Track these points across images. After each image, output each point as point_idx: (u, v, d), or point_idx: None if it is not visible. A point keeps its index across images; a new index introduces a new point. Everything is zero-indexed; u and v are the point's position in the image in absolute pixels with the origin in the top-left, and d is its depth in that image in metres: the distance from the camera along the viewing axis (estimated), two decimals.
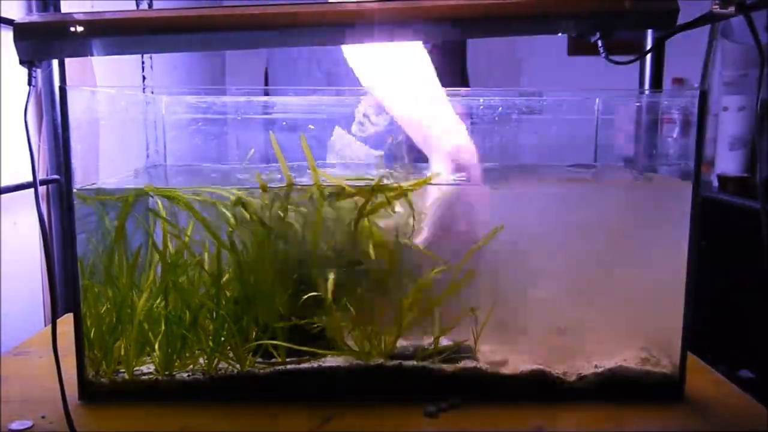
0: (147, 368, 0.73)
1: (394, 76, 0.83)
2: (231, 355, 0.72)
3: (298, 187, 0.71)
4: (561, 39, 2.40)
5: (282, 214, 0.71)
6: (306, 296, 0.70)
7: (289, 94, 0.93)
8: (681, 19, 0.63)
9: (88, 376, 0.71)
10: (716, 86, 1.78)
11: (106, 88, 0.93)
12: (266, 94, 1.00)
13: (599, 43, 0.64)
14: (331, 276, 0.70)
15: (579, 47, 2.40)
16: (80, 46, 0.62)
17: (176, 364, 0.72)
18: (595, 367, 0.73)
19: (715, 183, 1.66)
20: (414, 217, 0.72)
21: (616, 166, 0.96)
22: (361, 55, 0.84)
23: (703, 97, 0.69)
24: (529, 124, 0.89)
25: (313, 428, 0.65)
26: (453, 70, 1.15)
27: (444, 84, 0.86)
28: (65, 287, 0.99)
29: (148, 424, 0.66)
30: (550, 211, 0.75)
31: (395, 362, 0.72)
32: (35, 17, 0.63)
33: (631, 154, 1.02)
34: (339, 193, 0.70)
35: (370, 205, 0.70)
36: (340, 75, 1.08)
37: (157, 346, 0.72)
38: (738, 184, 1.57)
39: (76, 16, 0.61)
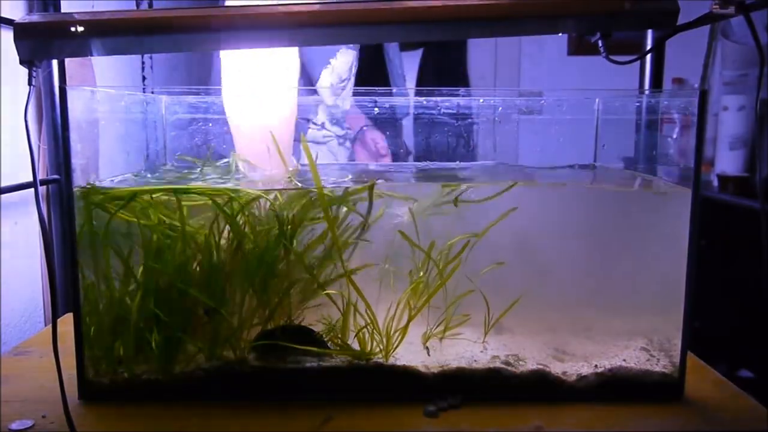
0: (147, 368, 0.73)
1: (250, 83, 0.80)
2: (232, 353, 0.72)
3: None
4: (561, 39, 2.40)
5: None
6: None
7: None
8: (681, 19, 0.63)
9: (88, 376, 0.71)
10: (716, 86, 1.78)
11: (106, 88, 0.93)
12: None
13: (599, 43, 0.64)
14: None
15: (579, 47, 2.40)
16: (80, 46, 0.62)
17: (177, 364, 0.72)
18: (595, 367, 0.73)
19: (715, 183, 1.66)
20: None
21: (615, 168, 0.96)
22: (233, 58, 0.80)
23: (703, 97, 0.69)
24: (529, 124, 0.89)
25: (313, 428, 0.65)
26: (453, 70, 1.15)
27: (443, 84, 0.86)
28: (65, 287, 0.99)
29: (148, 424, 0.66)
30: (553, 211, 0.75)
31: (394, 362, 0.72)
32: (36, 17, 0.63)
33: (631, 154, 1.02)
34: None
35: None
36: None
37: (154, 345, 0.72)
38: (738, 183, 1.57)
39: (76, 16, 0.61)
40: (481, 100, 0.85)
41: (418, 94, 0.94)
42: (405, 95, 1.07)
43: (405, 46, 1.34)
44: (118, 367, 0.72)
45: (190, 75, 1.72)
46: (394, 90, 1.03)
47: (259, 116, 0.80)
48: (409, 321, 0.73)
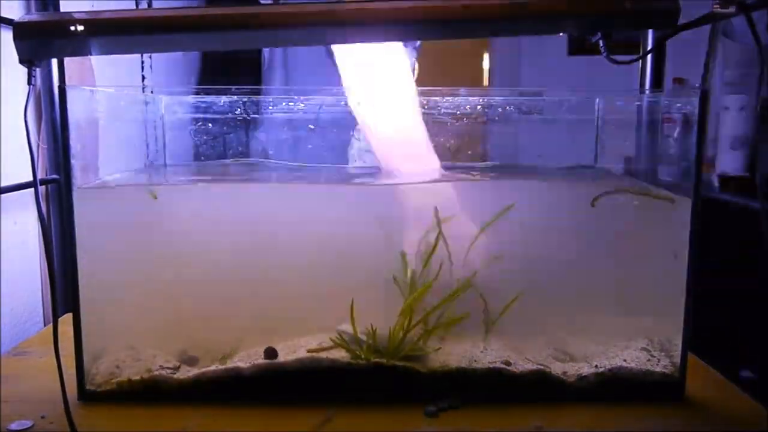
0: (147, 368, 0.73)
1: (372, 81, 0.82)
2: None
3: None
4: (561, 39, 2.40)
5: None
6: None
7: (289, 93, 0.93)
8: (681, 20, 0.62)
9: (89, 376, 0.71)
10: (717, 86, 1.77)
11: (105, 87, 0.92)
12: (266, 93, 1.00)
13: (600, 43, 0.64)
14: None
15: (579, 47, 2.40)
16: (80, 46, 0.61)
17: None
18: (595, 367, 0.73)
19: (716, 183, 1.66)
20: None
21: (614, 173, 0.96)
22: (347, 54, 0.81)
23: (704, 97, 0.69)
24: (529, 124, 0.89)
25: (313, 428, 0.65)
26: None
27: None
28: (65, 287, 0.99)
29: (148, 424, 0.66)
30: (554, 212, 0.75)
31: (394, 361, 0.72)
32: (35, 16, 0.63)
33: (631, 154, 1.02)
34: None
35: None
36: None
37: None
38: (739, 183, 1.57)
39: (75, 15, 0.60)
40: (481, 100, 0.85)
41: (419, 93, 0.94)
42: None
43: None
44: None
45: (190, 75, 1.72)
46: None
47: (392, 115, 0.81)
48: (413, 325, 0.73)
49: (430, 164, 0.83)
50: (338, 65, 0.81)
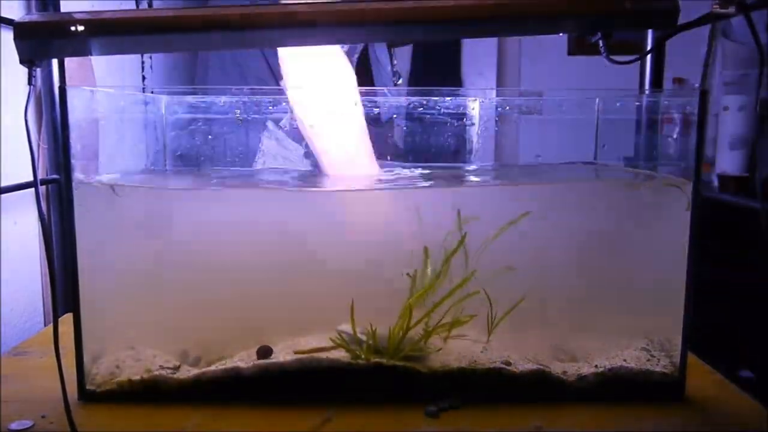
0: (147, 368, 0.73)
1: (315, 84, 0.83)
2: None
3: None
4: (561, 39, 2.41)
5: None
6: None
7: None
8: (681, 20, 0.63)
9: (89, 376, 0.71)
10: (716, 86, 1.78)
11: (105, 87, 0.92)
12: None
13: (600, 43, 0.64)
14: None
15: (579, 47, 2.40)
16: (80, 46, 0.61)
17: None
18: (595, 367, 0.73)
19: (716, 183, 1.66)
20: None
21: (615, 166, 0.96)
22: (292, 57, 0.83)
23: (704, 97, 0.69)
24: (529, 124, 0.89)
25: (313, 428, 0.65)
26: (446, 70, 1.15)
27: (435, 84, 0.86)
28: (65, 287, 0.99)
29: (148, 424, 0.66)
30: (551, 209, 0.75)
31: (394, 361, 0.72)
32: (36, 17, 0.63)
33: (631, 154, 1.02)
34: None
35: None
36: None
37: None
38: (738, 183, 1.57)
39: (76, 15, 0.60)
40: (479, 101, 0.85)
41: (414, 93, 0.94)
42: (397, 95, 1.07)
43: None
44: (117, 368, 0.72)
45: (190, 75, 1.72)
46: (386, 90, 1.03)
47: (337, 119, 0.82)
48: (413, 324, 0.73)
49: (372, 171, 0.86)
50: (285, 79, 0.82)
